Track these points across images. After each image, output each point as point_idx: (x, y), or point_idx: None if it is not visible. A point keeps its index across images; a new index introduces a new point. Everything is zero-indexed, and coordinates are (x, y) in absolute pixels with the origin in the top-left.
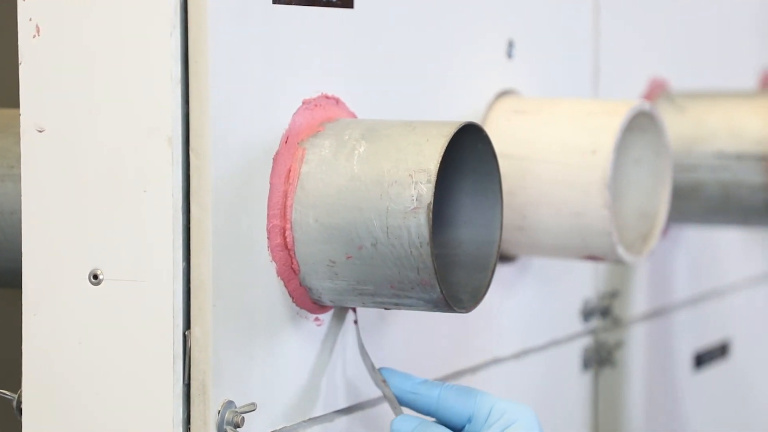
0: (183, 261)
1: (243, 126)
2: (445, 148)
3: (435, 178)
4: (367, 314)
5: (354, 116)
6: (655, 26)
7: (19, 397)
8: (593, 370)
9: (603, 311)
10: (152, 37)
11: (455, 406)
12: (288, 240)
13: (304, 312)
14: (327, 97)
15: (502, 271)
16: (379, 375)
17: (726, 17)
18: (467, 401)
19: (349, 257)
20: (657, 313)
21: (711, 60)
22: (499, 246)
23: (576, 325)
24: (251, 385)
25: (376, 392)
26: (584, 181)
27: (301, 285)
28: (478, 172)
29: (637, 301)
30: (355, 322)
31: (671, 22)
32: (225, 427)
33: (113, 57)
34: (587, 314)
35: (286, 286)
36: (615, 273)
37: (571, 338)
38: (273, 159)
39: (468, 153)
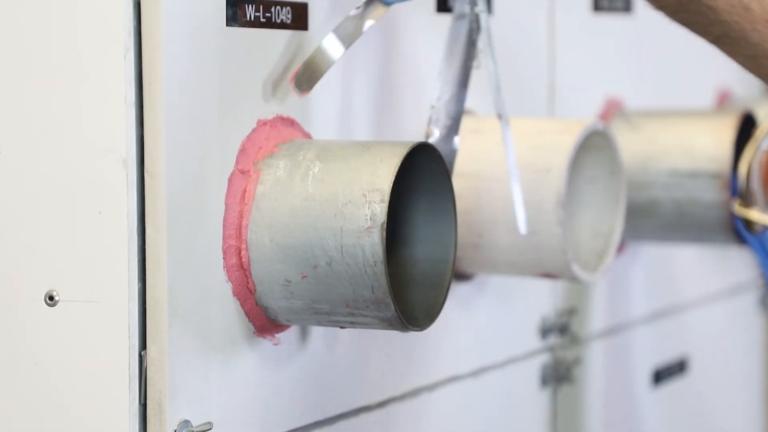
0: (138, 282)
1: (198, 147)
2: (398, 167)
3: (388, 198)
4: (322, 332)
5: (309, 137)
6: (611, 45)
7: None
8: (552, 387)
9: (561, 328)
10: (106, 59)
11: None
12: (244, 260)
13: (260, 331)
14: (282, 118)
15: (459, 289)
16: None
17: (683, 36)
18: None
19: (304, 276)
20: (615, 330)
21: (668, 79)
22: (453, 264)
23: (534, 342)
24: (207, 405)
25: (334, 410)
26: (538, 199)
27: (257, 304)
28: (432, 191)
29: (595, 318)
30: None
31: (627, 41)
32: None
33: (68, 79)
34: (545, 331)
35: (242, 306)
36: (573, 290)
37: (529, 355)
38: (228, 180)
39: (422, 172)
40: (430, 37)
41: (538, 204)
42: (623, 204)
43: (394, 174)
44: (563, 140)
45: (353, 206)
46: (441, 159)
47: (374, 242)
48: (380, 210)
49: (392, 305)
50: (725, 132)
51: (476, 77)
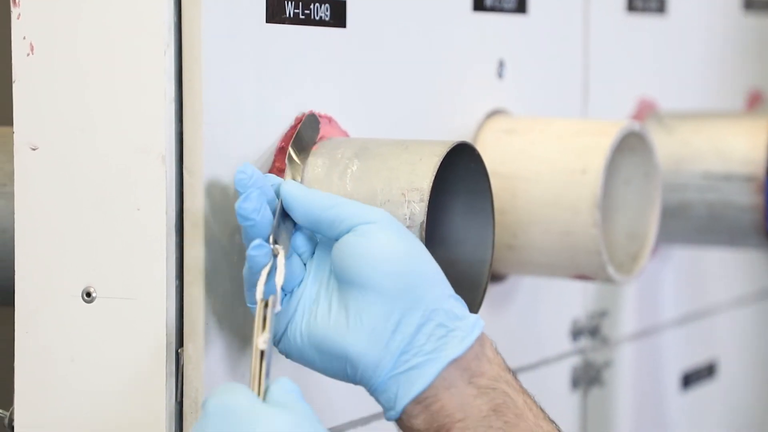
0: (176, 279)
1: (236, 144)
2: (437, 167)
3: (428, 197)
4: None
5: (346, 135)
6: (643, 47)
7: (11, 414)
8: (582, 390)
9: (592, 331)
10: (146, 55)
11: None
12: None
13: None
14: (320, 116)
15: (492, 290)
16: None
17: (714, 38)
18: None
19: None
20: (645, 333)
21: (699, 80)
22: (490, 265)
23: (565, 344)
24: None
25: (368, 411)
26: (574, 200)
27: None
28: (469, 191)
29: (626, 320)
30: None
31: (660, 43)
32: None
33: (107, 75)
34: (576, 334)
35: None
36: (604, 293)
37: (560, 357)
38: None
39: (460, 172)
40: (466, 35)
41: (574, 205)
42: (658, 206)
43: (434, 173)
44: (600, 141)
45: (392, 205)
46: (480, 159)
47: None
48: (419, 209)
49: None
50: (759, 135)
51: (509, 76)
